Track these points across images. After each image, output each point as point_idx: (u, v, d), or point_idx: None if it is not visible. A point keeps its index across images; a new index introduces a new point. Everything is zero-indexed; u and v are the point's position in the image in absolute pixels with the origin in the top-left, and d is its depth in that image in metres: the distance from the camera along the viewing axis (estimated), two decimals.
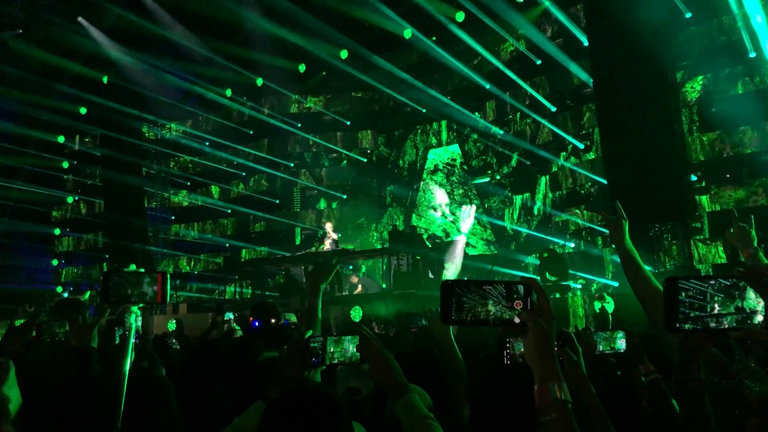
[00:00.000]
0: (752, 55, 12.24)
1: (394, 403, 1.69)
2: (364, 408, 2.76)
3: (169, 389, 2.40)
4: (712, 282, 1.27)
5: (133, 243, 18.95)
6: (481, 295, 1.39)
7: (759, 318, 1.25)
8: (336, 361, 1.80)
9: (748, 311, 1.25)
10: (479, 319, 1.39)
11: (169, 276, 2.30)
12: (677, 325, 1.28)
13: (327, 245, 14.34)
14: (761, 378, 1.65)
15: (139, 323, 2.78)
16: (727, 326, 1.26)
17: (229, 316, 7.70)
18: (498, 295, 1.39)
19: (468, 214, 17.93)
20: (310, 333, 1.87)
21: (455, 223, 13.24)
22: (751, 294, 1.25)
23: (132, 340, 2.26)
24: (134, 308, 2.29)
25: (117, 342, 2.59)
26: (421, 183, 19.73)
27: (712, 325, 1.27)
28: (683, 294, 1.27)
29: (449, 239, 17.70)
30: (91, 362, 2.36)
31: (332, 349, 1.78)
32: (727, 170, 13.23)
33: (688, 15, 12.70)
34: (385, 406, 2.71)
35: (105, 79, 18.24)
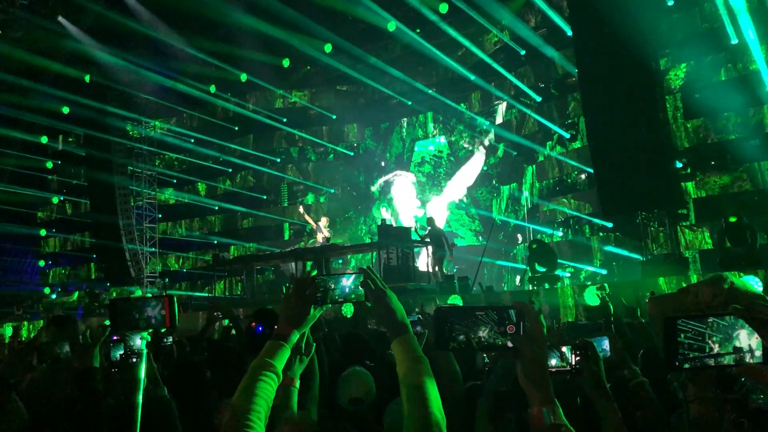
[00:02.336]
0: (734, 41, 12.31)
1: (392, 341, 1.66)
2: (366, 416, 2.82)
3: (172, 408, 2.39)
4: (710, 321, 1.29)
5: (120, 242, 18.83)
6: (473, 321, 1.40)
7: (757, 355, 1.27)
8: (339, 299, 1.78)
9: (746, 349, 1.28)
10: (473, 344, 1.41)
11: (176, 299, 2.27)
12: (677, 364, 1.30)
13: (319, 240, 14.31)
14: (765, 391, 1.68)
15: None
16: (725, 364, 1.29)
17: None
18: (490, 320, 1.39)
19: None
20: (315, 271, 1.83)
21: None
22: (748, 332, 1.27)
23: (143, 367, 2.23)
24: (144, 333, 2.27)
25: (117, 360, 2.57)
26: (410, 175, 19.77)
27: (711, 363, 1.29)
28: (682, 335, 1.29)
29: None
30: (94, 383, 2.34)
31: (335, 287, 1.76)
32: (711, 156, 13.35)
33: (671, 3, 12.76)
34: (384, 414, 2.78)
35: (87, 78, 18.05)
